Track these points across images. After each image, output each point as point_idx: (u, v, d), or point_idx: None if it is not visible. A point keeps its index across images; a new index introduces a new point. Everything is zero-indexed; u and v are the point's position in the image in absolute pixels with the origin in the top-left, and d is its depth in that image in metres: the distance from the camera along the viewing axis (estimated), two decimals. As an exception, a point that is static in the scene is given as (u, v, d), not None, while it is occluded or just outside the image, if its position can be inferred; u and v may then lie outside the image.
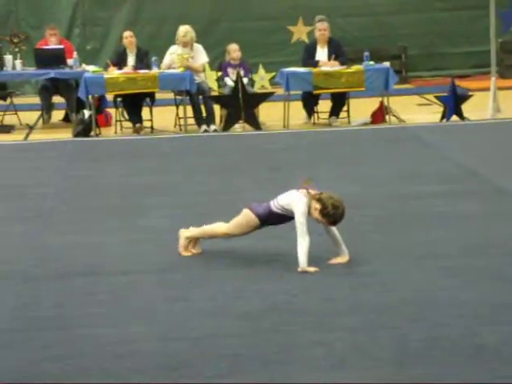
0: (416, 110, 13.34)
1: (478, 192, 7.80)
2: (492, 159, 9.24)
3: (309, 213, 5.81)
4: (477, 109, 12.30)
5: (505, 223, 6.74)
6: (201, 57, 12.41)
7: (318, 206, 5.80)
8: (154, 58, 12.22)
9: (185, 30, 12.37)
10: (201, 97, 12.20)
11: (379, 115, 12.30)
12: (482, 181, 8.25)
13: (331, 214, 5.78)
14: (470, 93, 12.55)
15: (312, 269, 5.72)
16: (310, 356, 4.40)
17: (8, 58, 12.97)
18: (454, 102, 12.03)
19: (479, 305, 5.03)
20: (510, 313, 4.90)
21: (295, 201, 5.84)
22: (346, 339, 4.59)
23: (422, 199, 7.60)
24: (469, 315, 4.88)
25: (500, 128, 11.55)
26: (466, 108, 12.07)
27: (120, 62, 12.45)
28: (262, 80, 12.98)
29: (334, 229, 5.94)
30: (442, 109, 12.23)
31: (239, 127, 12.14)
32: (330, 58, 12.25)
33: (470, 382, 4.05)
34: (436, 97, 12.58)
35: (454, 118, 12.07)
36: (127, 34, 12.54)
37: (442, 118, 12.13)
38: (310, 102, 12.48)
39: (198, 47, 12.47)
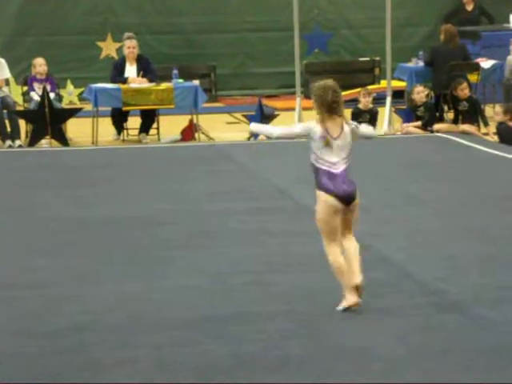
0: (225, 128, 13.50)
1: (283, 210, 7.97)
2: (296, 178, 9.46)
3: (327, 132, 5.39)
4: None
5: (306, 240, 6.89)
6: (2, 72, 12.07)
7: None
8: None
9: (-14, 47, 11.99)
10: (5, 111, 11.86)
11: (189, 133, 12.37)
12: (288, 199, 8.43)
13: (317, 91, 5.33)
14: (277, 112, 12.84)
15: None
16: (115, 375, 4.35)
17: None
18: (260, 121, 12.25)
19: (281, 317, 5.15)
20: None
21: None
22: (151, 356, 4.57)
23: (230, 216, 7.68)
24: (271, 329, 4.97)
25: (303, 147, 11.84)
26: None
27: None
28: (70, 95, 12.82)
29: (361, 128, 5.47)
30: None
31: (46, 143, 11.87)
32: (138, 75, 12.22)
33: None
34: (244, 115, 12.78)
35: (262, 137, 12.29)
36: None
37: (250, 136, 12.34)
38: (119, 119, 12.38)
39: (1, 61, 12.13)
